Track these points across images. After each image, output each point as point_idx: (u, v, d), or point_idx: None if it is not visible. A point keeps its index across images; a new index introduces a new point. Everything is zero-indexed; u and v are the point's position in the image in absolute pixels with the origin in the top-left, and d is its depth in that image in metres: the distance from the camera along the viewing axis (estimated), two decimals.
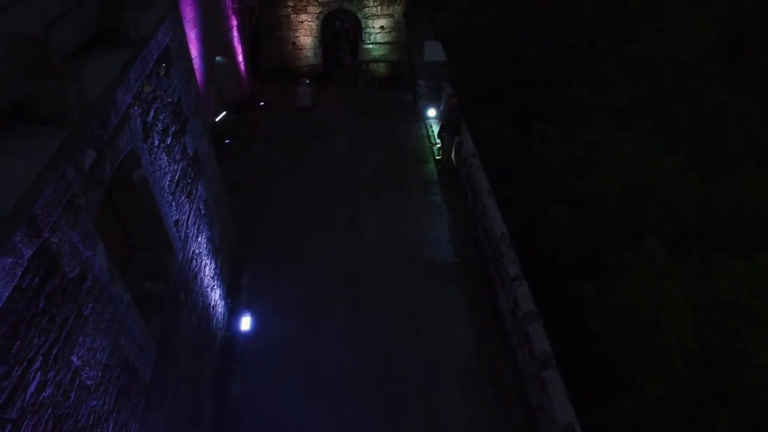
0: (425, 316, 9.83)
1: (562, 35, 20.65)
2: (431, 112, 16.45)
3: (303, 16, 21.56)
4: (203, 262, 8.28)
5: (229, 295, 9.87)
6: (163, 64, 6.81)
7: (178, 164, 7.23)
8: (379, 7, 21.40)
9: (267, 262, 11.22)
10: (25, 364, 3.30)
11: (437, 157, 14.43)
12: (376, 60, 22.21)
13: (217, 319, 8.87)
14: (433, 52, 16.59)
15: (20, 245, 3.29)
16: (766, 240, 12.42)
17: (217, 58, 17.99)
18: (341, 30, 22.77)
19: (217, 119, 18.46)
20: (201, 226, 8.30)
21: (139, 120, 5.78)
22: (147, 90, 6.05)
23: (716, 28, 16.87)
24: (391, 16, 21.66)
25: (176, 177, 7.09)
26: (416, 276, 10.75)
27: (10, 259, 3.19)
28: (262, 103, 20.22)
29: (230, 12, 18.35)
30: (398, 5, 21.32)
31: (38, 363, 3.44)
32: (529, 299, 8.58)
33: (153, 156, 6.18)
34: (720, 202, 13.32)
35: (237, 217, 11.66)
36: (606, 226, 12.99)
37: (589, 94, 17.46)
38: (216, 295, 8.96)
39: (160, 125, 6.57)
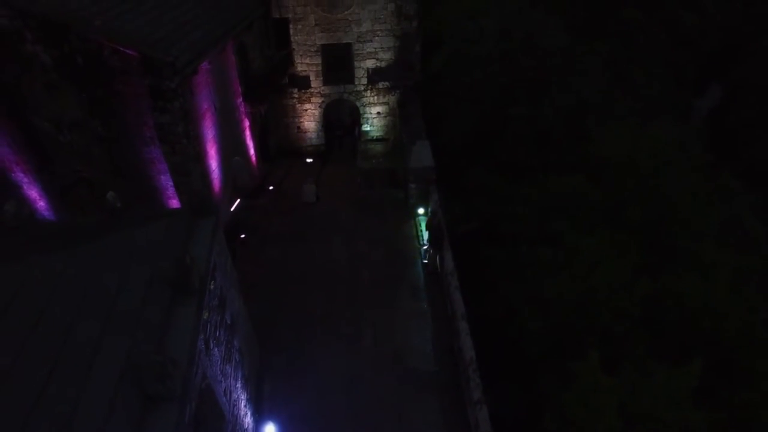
0: (409, 424, 12.51)
1: (548, 94, 23.21)
2: (420, 211, 19.08)
3: (307, 105, 24.30)
4: (240, 400, 10.92)
5: (255, 410, 12.50)
6: (213, 281, 9.44)
7: (223, 345, 9.87)
8: (375, 97, 24.10)
9: (284, 371, 13.90)
10: None
11: (424, 261, 17.06)
12: (373, 140, 24.96)
13: None
14: (422, 156, 19.21)
15: None
16: (708, 337, 15.11)
17: (234, 159, 20.67)
18: (347, 119, 25.55)
19: (232, 208, 21.18)
20: (237, 372, 10.94)
21: (202, 344, 8.42)
22: (206, 317, 8.69)
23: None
24: (386, 103, 24.35)
25: (222, 355, 9.73)
26: (402, 383, 13.44)
27: None
28: (271, 188, 22.97)
29: (243, 116, 21.04)
30: (393, 95, 23.99)
31: None
32: (487, 422, 11.23)
33: (211, 360, 8.82)
34: (666, 299, 15.97)
35: (255, 321, 14.17)
36: (567, 326, 15.61)
37: (559, 182, 20.00)
38: (248, 418, 11.60)
39: (213, 329, 9.21)
